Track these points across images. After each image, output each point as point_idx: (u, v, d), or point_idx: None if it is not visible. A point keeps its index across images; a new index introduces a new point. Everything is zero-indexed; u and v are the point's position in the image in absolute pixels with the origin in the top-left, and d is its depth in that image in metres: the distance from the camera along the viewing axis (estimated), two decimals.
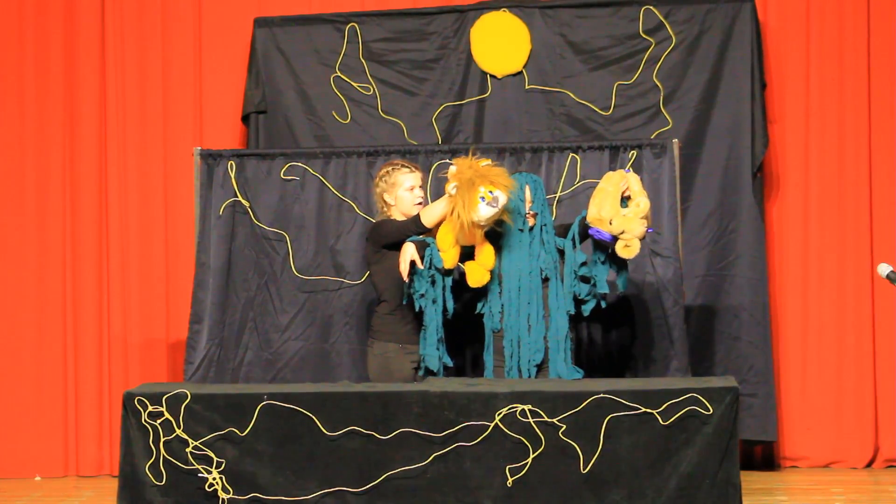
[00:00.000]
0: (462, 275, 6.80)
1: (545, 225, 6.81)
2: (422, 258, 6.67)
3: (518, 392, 6.08)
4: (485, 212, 6.54)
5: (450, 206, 6.60)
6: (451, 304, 6.76)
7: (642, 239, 6.68)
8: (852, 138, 8.34)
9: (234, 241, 7.67)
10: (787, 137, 8.39)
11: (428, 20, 8.34)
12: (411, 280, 6.68)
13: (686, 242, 7.79)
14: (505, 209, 6.62)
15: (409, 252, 6.68)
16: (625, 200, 6.68)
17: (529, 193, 6.79)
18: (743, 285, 8.11)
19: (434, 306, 6.72)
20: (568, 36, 8.26)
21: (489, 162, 6.72)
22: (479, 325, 6.90)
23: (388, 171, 6.98)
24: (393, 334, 6.86)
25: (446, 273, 6.73)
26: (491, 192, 6.51)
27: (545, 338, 6.74)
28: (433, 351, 6.74)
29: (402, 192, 6.94)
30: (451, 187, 6.60)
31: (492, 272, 6.75)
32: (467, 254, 6.75)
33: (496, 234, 6.75)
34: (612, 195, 6.64)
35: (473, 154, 6.73)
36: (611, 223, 6.62)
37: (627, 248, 6.65)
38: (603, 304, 6.83)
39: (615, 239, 6.65)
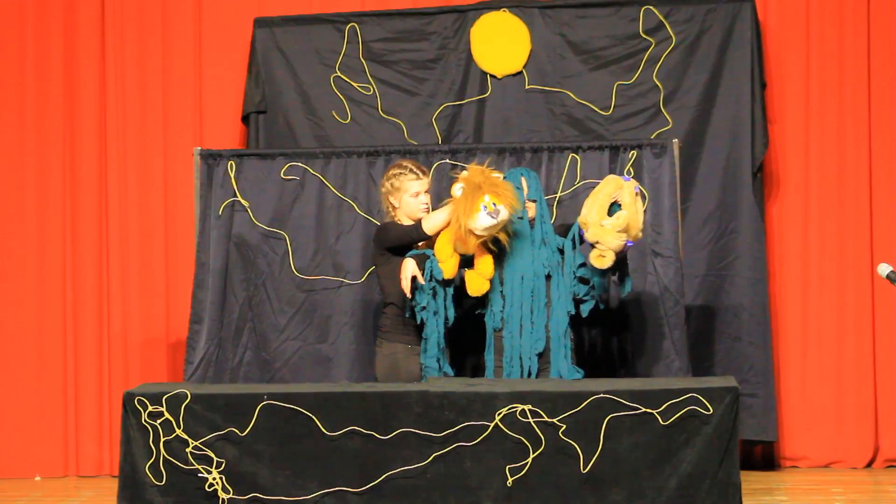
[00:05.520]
0: (463, 280, 6.80)
1: (543, 216, 6.81)
2: (422, 271, 6.69)
3: (518, 392, 6.08)
4: (483, 221, 6.54)
5: (452, 207, 6.60)
6: (451, 314, 6.79)
7: (619, 252, 6.65)
8: (852, 138, 8.34)
9: (234, 241, 7.67)
10: (787, 137, 8.39)
11: (428, 20, 8.34)
12: (413, 294, 6.70)
13: (686, 242, 7.79)
14: (503, 229, 6.61)
15: (409, 268, 6.71)
16: (619, 206, 6.67)
17: (525, 184, 6.80)
18: (743, 285, 8.11)
19: (435, 318, 6.75)
20: (568, 36, 8.26)
21: (501, 176, 6.74)
22: (480, 330, 6.90)
23: (395, 174, 6.98)
24: (401, 335, 6.88)
25: (446, 284, 6.75)
26: (494, 203, 6.52)
27: (547, 327, 6.73)
28: (433, 363, 6.76)
29: (406, 198, 6.95)
30: (456, 187, 6.61)
31: (491, 280, 6.75)
32: (467, 262, 6.76)
33: (496, 242, 6.73)
34: (600, 202, 6.63)
35: (488, 164, 6.76)
36: (587, 230, 6.62)
37: (601, 259, 6.62)
38: (601, 307, 6.83)
39: (592, 246, 6.64)
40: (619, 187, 6.65)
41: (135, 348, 8.56)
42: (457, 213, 6.56)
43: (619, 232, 6.58)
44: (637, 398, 6.02)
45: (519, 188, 6.75)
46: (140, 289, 8.57)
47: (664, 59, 8.18)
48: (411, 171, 6.98)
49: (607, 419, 6.01)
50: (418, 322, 6.77)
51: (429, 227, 6.76)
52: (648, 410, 6.01)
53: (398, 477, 6.07)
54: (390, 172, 7.03)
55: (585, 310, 6.82)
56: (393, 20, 8.36)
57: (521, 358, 6.74)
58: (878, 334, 8.31)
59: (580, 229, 6.71)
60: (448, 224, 6.68)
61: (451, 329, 6.86)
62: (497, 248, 6.70)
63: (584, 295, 6.79)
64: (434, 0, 8.49)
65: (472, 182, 6.57)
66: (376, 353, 6.97)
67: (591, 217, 6.61)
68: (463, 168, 7.59)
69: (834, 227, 8.34)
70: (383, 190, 7.03)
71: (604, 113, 8.20)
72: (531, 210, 6.81)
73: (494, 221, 6.54)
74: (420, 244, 6.86)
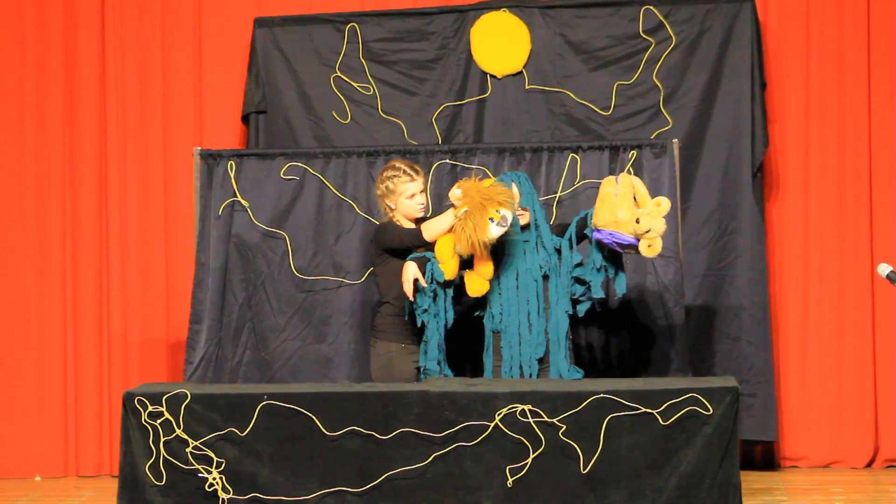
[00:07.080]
0: (462, 280, 6.80)
1: (537, 221, 6.81)
2: (423, 273, 6.70)
3: (518, 392, 6.08)
4: (496, 232, 6.61)
5: (459, 227, 6.63)
6: (451, 316, 6.79)
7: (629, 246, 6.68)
8: (852, 138, 8.34)
9: (233, 241, 7.68)
10: (787, 137, 8.39)
11: (428, 20, 8.34)
12: (414, 297, 6.71)
13: (686, 242, 7.79)
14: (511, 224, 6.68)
15: (411, 270, 6.71)
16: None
17: (517, 190, 6.80)
18: (743, 285, 8.11)
19: (436, 320, 6.75)
20: (568, 36, 8.26)
21: (492, 180, 6.75)
22: (478, 329, 6.90)
23: (389, 177, 6.97)
24: (395, 334, 6.88)
25: (447, 285, 6.75)
26: (499, 211, 6.56)
27: (546, 330, 6.73)
28: (434, 365, 6.76)
29: (402, 200, 6.95)
30: (460, 213, 6.62)
31: (490, 281, 6.76)
32: (466, 263, 6.77)
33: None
34: (625, 196, 6.62)
35: (475, 175, 6.78)
36: (638, 222, 6.59)
37: (651, 248, 6.63)
38: (597, 309, 6.83)
39: (637, 240, 6.63)
40: (630, 180, 6.67)
41: (135, 348, 8.57)
42: (467, 233, 6.59)
43: (663, 217, 6.61)
44: (637, 398, 6.02)
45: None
46: (140, 289, 8.58)
47: (664, 59, 8.18)
48: (405, 172, 6.98)
49: (607, 419, 6.01)
50: (419, 325, 6.77)
51: (429, 235, 6.77)
52: (648, 410, 6.01)
53: (398, 477, 6.07)
54: (384, 175, 7.01)
55: (582, 310, 6.82)
56: (393, 20, 8.36)
57: (521, 366, 6.73)
58: (878, 334, 8.31)
59: (594, 231, 6.68)
60: (449, 230, 6.70)
61: (450, 330, 6.86)
62: (505, 238, 6.74)
63: (581, 295, 6.80)
64: (434, 0, 8.50)
65: (474, 203, 6.60)
66: (370, 353, 6.97)
67: (626, 214, 6.59)
68: (463, 168, 7.61)
69: (834, 227, 8.34)
70: (378, 193, 7.04)
71: (604, 113, 8.20)
72: (524, 217, 6.81)
73: (506, 227, 6.61)
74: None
